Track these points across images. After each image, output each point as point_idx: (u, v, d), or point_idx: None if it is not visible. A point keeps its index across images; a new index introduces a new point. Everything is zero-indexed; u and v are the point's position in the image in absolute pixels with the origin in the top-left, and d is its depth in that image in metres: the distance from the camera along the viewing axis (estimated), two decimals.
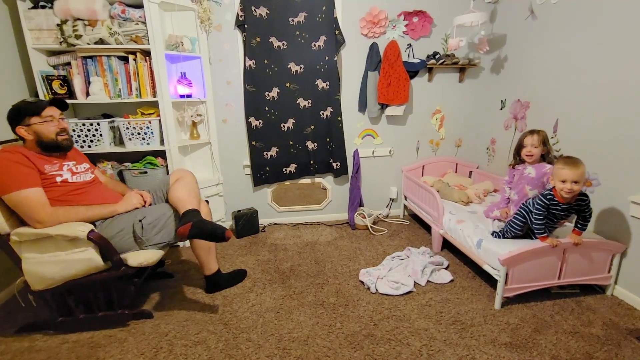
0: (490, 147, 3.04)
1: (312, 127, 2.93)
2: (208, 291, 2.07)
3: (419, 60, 2.88)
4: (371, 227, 2.96)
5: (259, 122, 2.83)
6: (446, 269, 2.28)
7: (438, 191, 2.66)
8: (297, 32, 2.71)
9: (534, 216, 1.80)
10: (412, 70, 2.88)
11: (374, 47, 2.82)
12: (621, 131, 1.89)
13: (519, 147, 2.10)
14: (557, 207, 1.78)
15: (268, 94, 2.80)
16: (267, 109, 2.82)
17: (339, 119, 2.91)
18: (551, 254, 1.82)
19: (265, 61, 2.72)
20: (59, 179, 1.63)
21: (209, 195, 2.78)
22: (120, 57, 2.30)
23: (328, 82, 2.82)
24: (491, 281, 2.06)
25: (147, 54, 2.30)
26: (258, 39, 2.66)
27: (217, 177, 2.87)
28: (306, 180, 3.11)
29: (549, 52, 2.36)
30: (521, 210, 1.92)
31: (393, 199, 3.27)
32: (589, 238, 1.88)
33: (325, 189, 3.17)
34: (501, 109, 2.87)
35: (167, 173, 2.46)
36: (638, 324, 1.73)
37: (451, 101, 3.10)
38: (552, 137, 2.32)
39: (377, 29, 2.80)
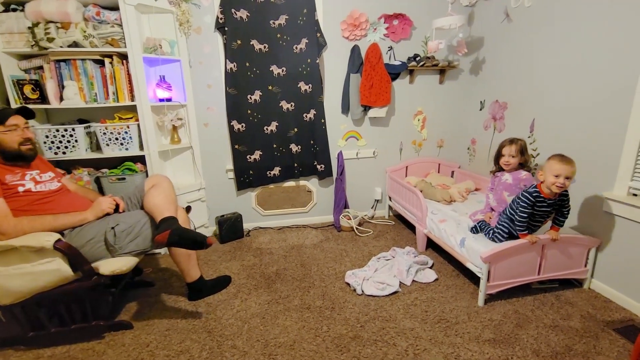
0: (471, 147, 3.10)
1: (296, 129, 2.92)
2: (191, 299, 2.02)
3: (400, 63, 2.91)
4: (356, 228, 2.96)
5: (242, 126, 2.80)
6: (431, 268, 2.30)
7: (421, 191, 2.70)
8: (279, 35, 2.70)
9: (519, 213, 1.83)
10: (394, 72, 2.91)
11: (355, 50, 2.84)
12: (594, 130, 1.96)
13: (498, 155, 2.14)
14: (543, 204, 1.82)
15: (250, 97, 2.77)
16: (249, 112, 2.80)
17: (323, 121, 2.91)
18: (531, 250, 1.87)
19: (247, 64, 2.70)
20: (21, 188, 1.57)
21: (191, 201, 2.73)
22: (95, 61, 2.23)
23: (310, 85, 2.82)
24: (474, 279, 2.10)
25: (124, 57, 2.25)
26: (239, 42, 2.64)
27: (200, 181, 2.82)
28: (291, 183, 3.10)
29: (524, 54, 2.43)
30: (504, 219, 1.95)
31: (378, 200, 3.29)
32: (566, 234, 1.94)
33: (310, 191, 3.16)
34: (480, 109, 2.94)
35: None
36: (614, 316, 1.79)
37: (432, 102, 3.14)
38: (529, 137, 2.39)
39: (358, 32, 2.83)
